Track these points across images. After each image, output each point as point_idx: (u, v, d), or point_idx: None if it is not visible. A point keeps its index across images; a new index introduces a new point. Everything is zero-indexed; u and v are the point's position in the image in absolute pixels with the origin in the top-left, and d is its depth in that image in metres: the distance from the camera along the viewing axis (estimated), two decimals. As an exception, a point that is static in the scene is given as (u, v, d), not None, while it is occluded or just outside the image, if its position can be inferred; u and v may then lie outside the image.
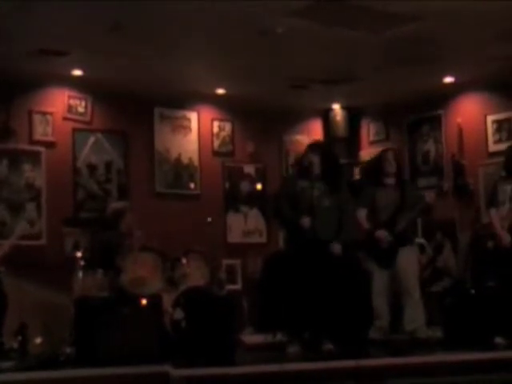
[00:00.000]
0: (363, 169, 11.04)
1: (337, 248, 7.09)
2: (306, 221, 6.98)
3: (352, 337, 6.99)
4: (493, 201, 7.65)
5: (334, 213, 7.14)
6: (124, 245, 7.94)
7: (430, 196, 7.66)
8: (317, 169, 7.17)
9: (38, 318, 7.52)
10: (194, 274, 7.99)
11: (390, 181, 7.62)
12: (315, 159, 7.19)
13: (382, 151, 7.94)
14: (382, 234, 7.44)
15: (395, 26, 8.21)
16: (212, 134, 10.91)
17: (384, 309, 7.48)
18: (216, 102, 10.85)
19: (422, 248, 9.27)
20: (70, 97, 9.84)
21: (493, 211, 7.62)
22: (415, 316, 7.37)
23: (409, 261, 7.50)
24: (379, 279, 7.51)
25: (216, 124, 10.96)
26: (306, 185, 7.13)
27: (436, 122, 10.86)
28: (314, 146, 7.45)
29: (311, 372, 5.95)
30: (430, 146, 10.92)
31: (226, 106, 10.95)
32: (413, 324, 7.34)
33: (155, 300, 6.49)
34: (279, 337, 7.44)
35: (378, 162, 7.78)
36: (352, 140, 11.69)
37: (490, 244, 8.34)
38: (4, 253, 6.84)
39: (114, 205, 8.69)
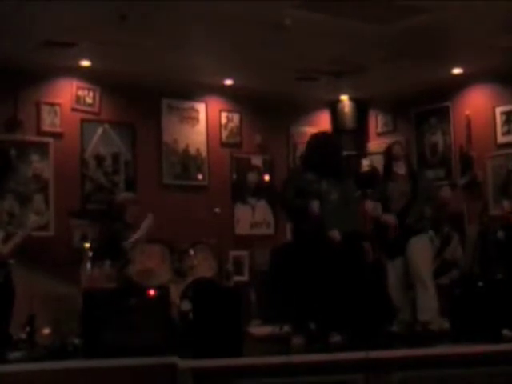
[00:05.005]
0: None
1: (335, 234, 6.95)
2: (315, 205, 6.90)
3: (366, 329, 6.95)
4: (506, 191, 7.59)
5: (341, 206, 7.06)
6: (131, 236, 7.96)
7: (445, 191, 7.52)
8: (320, 162, 7.11)
9: (46, 309, 7.53)
10: (202, 265, 8.01)
11: (401, 170, 7.50)
12: (317, 152, 7.15)
13: (388, 146, 7.88)
14: (390, 218, 7.32)
15: (403, 17, 8.19)
16: (220, 125, 10.90)
17: (402, 301, 7.35)
18: (224, 93, 10.84)
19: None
20: (78, 87, 9.83)
21: (505, 202, 7.56)
22: (428, 305, 7.22)
23: (421, 248, 7.32)
24: (392, 271, 7.40)
25: (224, 115, 10.95)
26: (312, 178, 7.07)
27: (444, 114, 10.83)
28: (315, 139, 7.41)
29: (319, 364, 5.94)
30: (438, 138, 10.90)
31: (234, 98, 10.93)
32: (426, 314, 7.20)
33: (163, 291, 6.48)
34: (286, 328, 7.43)
35: (387, 158, 7.69)
36: (360, 131, 11.67)
37: (500, 234, 8.31)
38: (15, 245, 6.83)
39: (119, 196, 8.70)
